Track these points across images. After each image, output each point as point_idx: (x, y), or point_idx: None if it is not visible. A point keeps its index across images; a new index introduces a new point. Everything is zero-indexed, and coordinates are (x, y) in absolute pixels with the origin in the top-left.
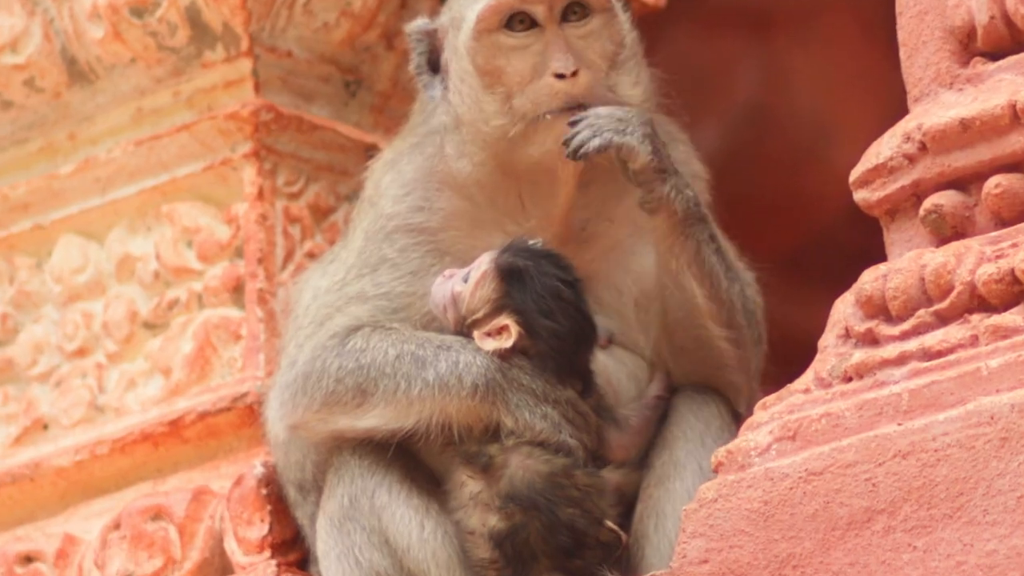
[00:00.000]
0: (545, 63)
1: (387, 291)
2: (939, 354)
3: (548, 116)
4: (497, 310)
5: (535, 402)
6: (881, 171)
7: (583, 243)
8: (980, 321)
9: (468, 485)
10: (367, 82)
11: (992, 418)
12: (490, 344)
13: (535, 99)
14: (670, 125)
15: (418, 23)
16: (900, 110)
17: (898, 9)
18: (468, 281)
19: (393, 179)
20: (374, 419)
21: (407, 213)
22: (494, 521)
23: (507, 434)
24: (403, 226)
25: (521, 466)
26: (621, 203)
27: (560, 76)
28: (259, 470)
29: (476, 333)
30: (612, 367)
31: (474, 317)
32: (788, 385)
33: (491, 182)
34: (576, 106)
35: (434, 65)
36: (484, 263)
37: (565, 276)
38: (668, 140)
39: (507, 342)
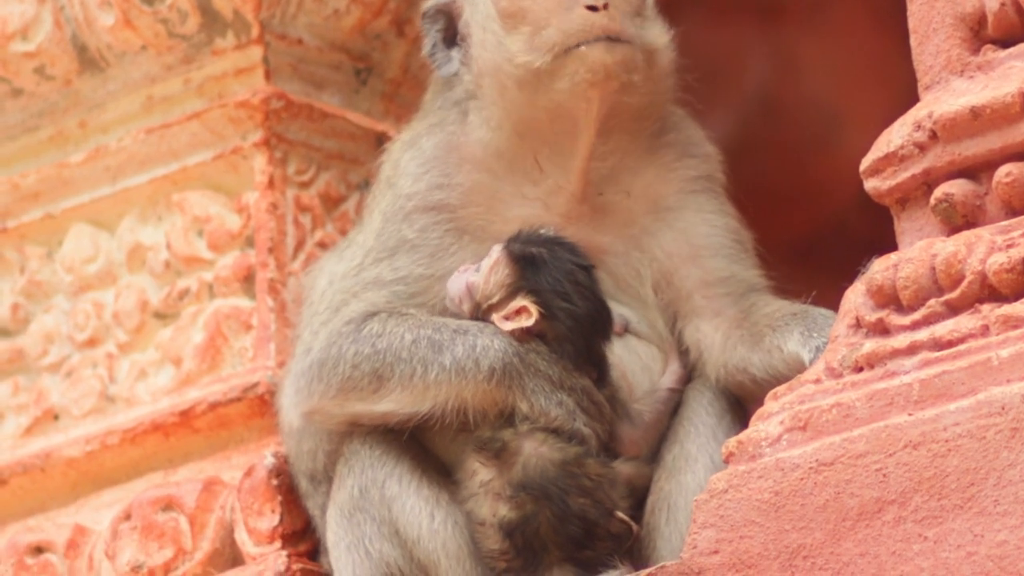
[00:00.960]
0: None
1: (405, 275)
2: (950, 344)
3: (583, 47)
4: (513, 293)
5: (551, 388)
6: (892, 160)
7: (598, 212)
8: (991, 311)
9: (480, 473)
10: (378, 69)
11: (1003, 408)
12: (510, 325)
13: (566, 29)
14: (683, 113)
15: (432, 1)
16: (911, 98)
17: None
18: (481, 270)
19: (412, 157)
20: (390, 404)
21: (426, 192)
22: (505, 511)
23: (522, 419)
24: (422, 205)
25: (535, 453)
26: (639, 177)
27: (592, 8)
28: (270, 460)
29: (495, 316)
30: (626, 358)
31: (490, 302)
32: (799, 375)
33: (508, 148)
34: (612, 37)
35: (451, 41)
36: (496, 251)
37: (579, 260)
38: (684, 126)
39: (528, 321)
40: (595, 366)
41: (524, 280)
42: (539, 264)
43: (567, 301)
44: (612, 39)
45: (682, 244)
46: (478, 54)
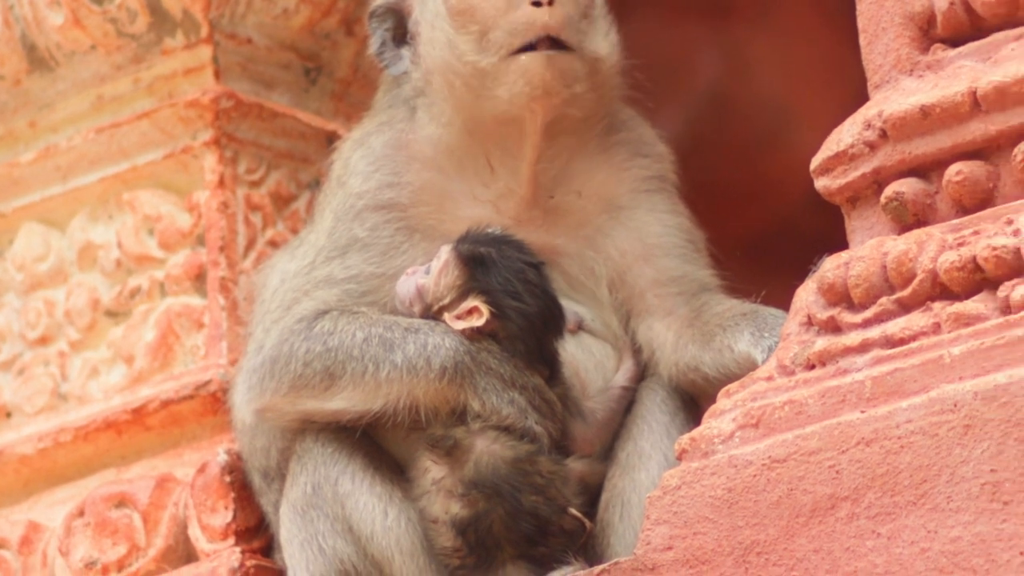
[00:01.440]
0: None
1: (356, 273)
2: (901, 342)
3: (524, 56)
4: (464, 294)
5: (503, 387)
6: (842, 158)
7: (550, 214)
8: (942, 309)
9: (432, 471)
10: (327, 69)
11: (955, 405)
12: (461, 324)
13: (511, 29)
14: (634, 113)
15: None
16: (860, 97)
17: None
18: (431, 272)
19: (362, 156)
20: (342, 402)
21: (376, 190)
22: (457, 508)
23: (473, 417)
24: (372, 204)
25: (486, 451)
26: (591, 179)
27: (537, 4)
28: (223, 457)
29: (446, 316)
30: (580, 356)
31: (441, 304)
32: (751, 373)
33: (459, 146)
34: (551, 39)
35: (400, 40)
36: (444, 253)
37: (528, 259)
38: (634, 125)
39: (479, 321)
40: (547, 364)
41: (474, 281)
42: (488, 264)
43: (518, 300)
44: (554, 43)
45: (635, 243)
46: (427, 52)
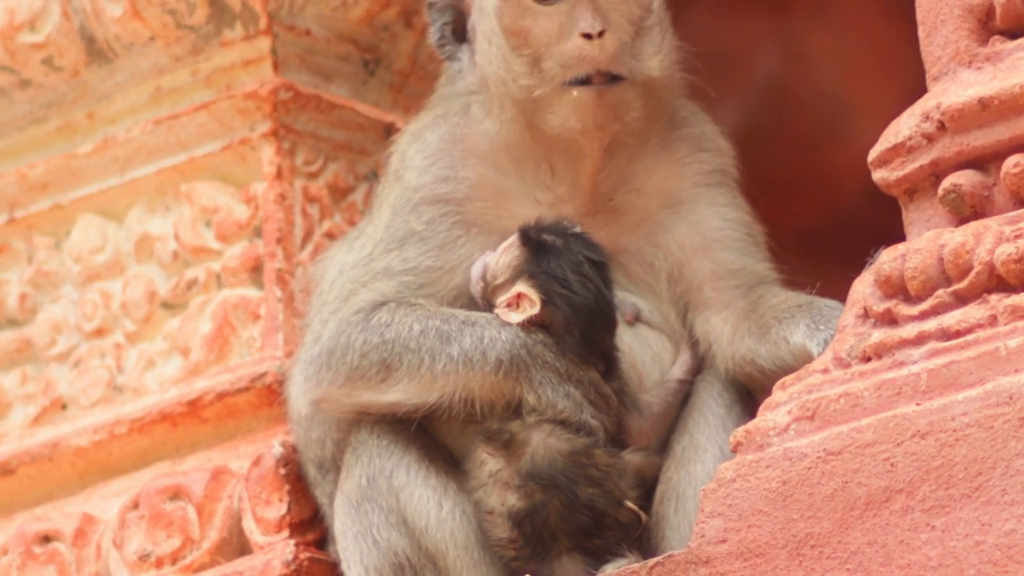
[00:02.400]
0: (573, 23)
1: (414, 266)
2: (958, 334)
3: (575, 91)
4: (516, 276)
5: (558, 380)
6: (900, 150)
7: (611, 214)
8: (999, 301)
9: (488, 463)
10: (386, 61)
11: (1011, 398)
12: (515, 316)
13: (562, 61)
14: (695, 106)
15: None
16: (919, 89)
17: None
18: (498, 251)
19: (418, 150)
20: (398, 394)
21: (432, 184)
22: (513, 500)
23: (529, 411)
24: (429, 197)
25: (542, 444)
26: (651, 176)
27: (587, 36)
28: (278, 450)
29: (498, 308)
30: (637, 348)
31: (495, 283)
32: (807, 365)
33: (519, 146)
34: (603, 73)
35: (459, 34)
36: (515, 233)
37: (591, 255)
38: (695, 120)
39: (532, 310)
40: (602, 358)
41: (530, 264)
42: (549, 251)
43: (567, 289)
44: (604, 76)
45: (694, 236)
46: (483, 62)
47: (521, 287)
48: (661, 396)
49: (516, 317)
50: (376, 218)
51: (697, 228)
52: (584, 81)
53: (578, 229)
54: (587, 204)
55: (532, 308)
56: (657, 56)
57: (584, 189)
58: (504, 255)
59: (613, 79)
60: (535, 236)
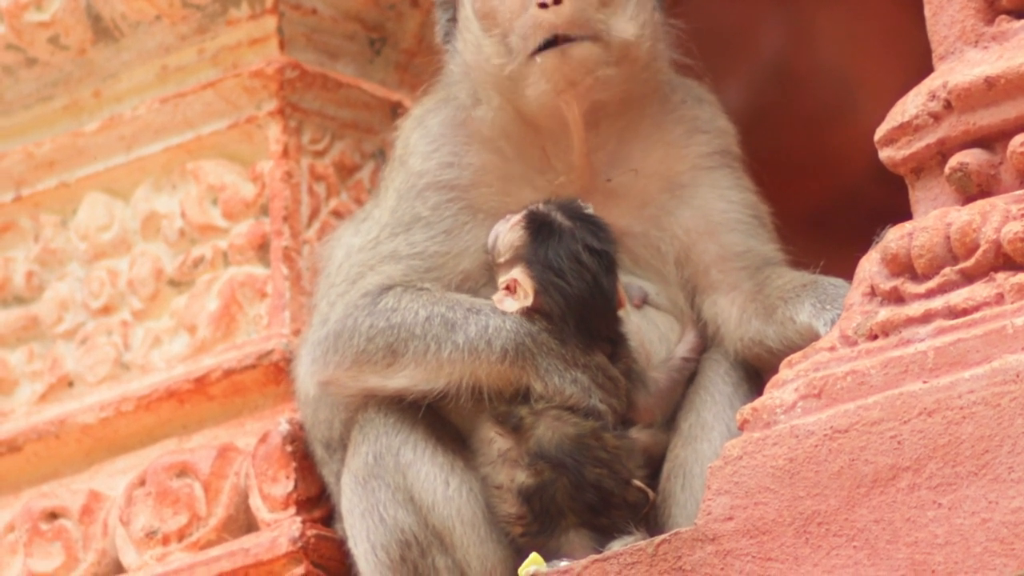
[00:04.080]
0: None
1: (421, 251)
2: (964, 312)
3: (538, 57)
4: (515, 259)
5: (565, 367)
6: (906, 129)
7: (611, 196)
8: (1005, 279)
9: (497, 442)
10: (392, 39)
11: (1017, 376)
12: (510, 304)
13: (523, 32)
14: (697, 87)
15: None
16: (925, 68)
17: None
18: (508, 223)
19: (421, 136)
20: (404, 379)
21: (436, 170)
22: (522, 477)
23: (537, 398)
24: (434, 183)
25: (550, 428)
26: (649, 157)
27: (543, 6)
28: (284, 427)
29: (495, 296)
30: (644, 328)
31: (499, 260)
32: (814, 343)
33: (515, 131)
34: (563, 36)
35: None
36: (524, 210)
37: (592, 242)
38: (693, 102)
39: (527, 300)
40: (606, 340)
41: (528, 250)
42: (551, 234)
43: (561, 279)
44: (564, 39)
45: (699, 220)
46: (463, 49)
47: (517, 274)
48: (666, 373)
49: (511, 305)
50: (382, 202)
51: (702, 212)
52: (547, 46)
53: (589, 210)
54: (586, 186)
55: (526, 298)
56: (632, 22)
57: (579, 169)
58: (510, 233)
59: (577, 40)
60: (541, 216)
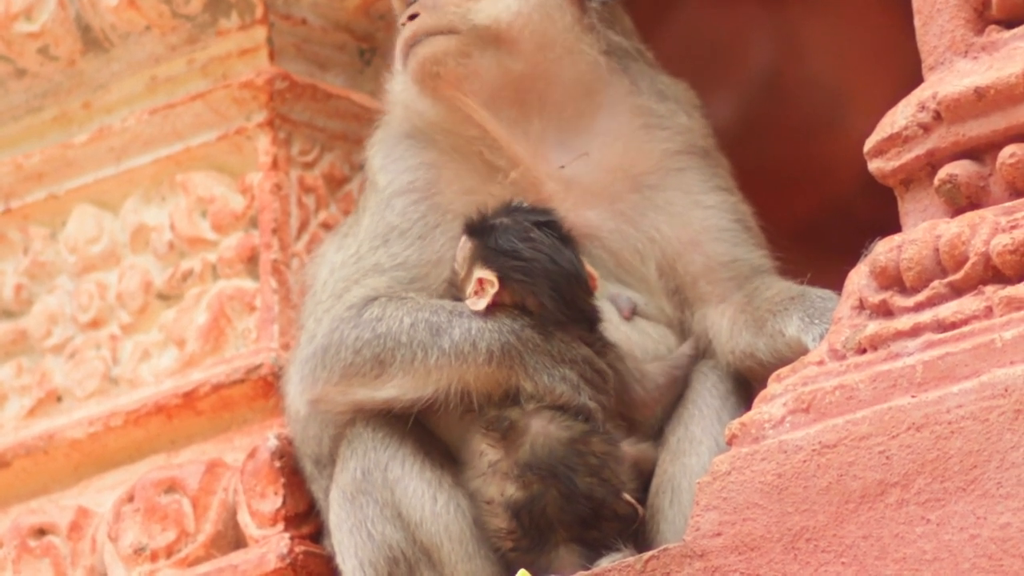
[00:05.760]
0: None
1: (402, 261)
2: (953, 326)
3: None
4: (471, 265)
5: (552, 363)
6: (896, 140)
7: (572, 187)
8: (994, 292)
9: (487, 454)
10: (382, 50)
11: (1006, 390)
12: (480, 303)
13: (400, 45)
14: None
15: None
16: (915, 79)
17: None
18: (456, 252)
19: (380, 153)
20: (393, 389)
21: (397, 178)
22: (512, 490)
23: (527, 398)
24: (397, 190)
25: (542, 432)
26: (609, 147)
27: (403, 24)
28: (273, 442)
29: (468, 301)
30: (636, 339)
31: (459, 279)
32: (802, 357)
33: (447, 138)
34: (413, 41)
35: None
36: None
37: (537, 218)
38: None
39: (492, 289)
40: (586, 322)
41: (478, 250)
42: (492, 231)
43: (517, 258)
44: (414, 42)
45: (679, 229)
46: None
47: (477, 272)
48: (668, 367)
49: (481, 303)
50: (361, 220)
51: (681, 221)
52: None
53: (521, 202)
54: (540, 176)
55: (492, 288)
56: (498, 5)
57: (527, 161)
58: (459, 249)
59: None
60: (478, 222)
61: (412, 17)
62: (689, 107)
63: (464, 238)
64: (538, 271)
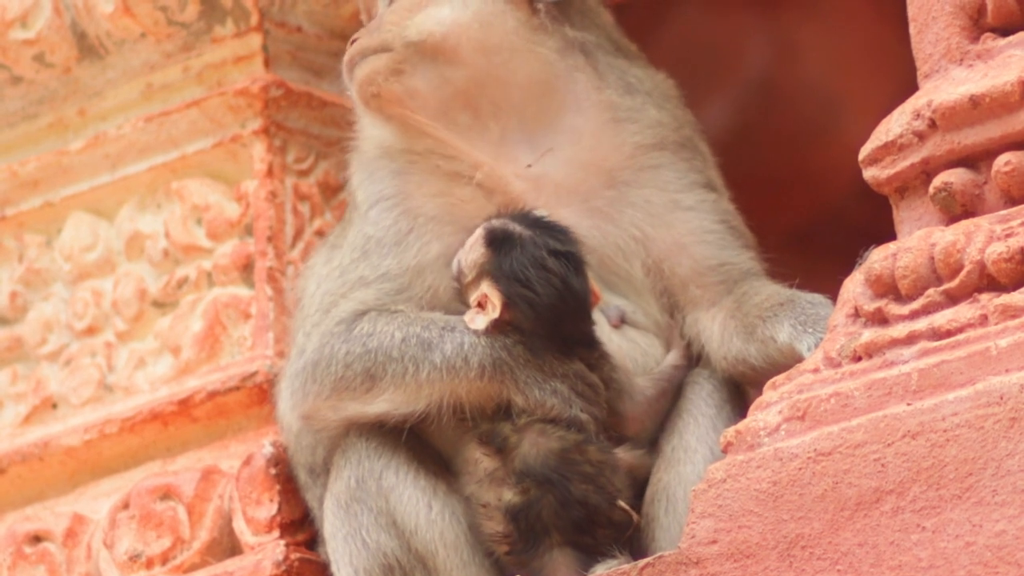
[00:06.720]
0: None
1: (384, 272)
2: (948, 334)
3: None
4: (480, 276)
5: (543, 378)
6: (891, 148)
7: (541, 186)
8: (989, 300)
9: (483, 462)
10: None
11: (1001, 398)
12: (480, 320)
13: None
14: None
15: None
16: (910, 86)
17: None
18: (466, 245)
19: (359, 174)
20: (384, 404)
21: (370, 187)
22: (509, 495)
23: (519, 412)
24: (371, 200)
25: (535, 444)
26: (577, 143)
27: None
28: (268, 450)
29: (466, 316)
30: (625, 348)
31: (465, 281)
32: (797, 364)
33: (405, 153)
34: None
35: None
36: (480, 227)
37: (556, 246)
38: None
39: (494, 313)
40: (583, 345)
41: (491, 264)
42: (512, 246)
43: (528, 289)
44: (359, 58)
45: (662, 231)
46: None
47: (485, 287)
48: (655, 381)
49: (481, 321)
50: (346, 232)
51: (662, 221)
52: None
53: (547, 218)
54: (506, 176)
55: (494, 312)
56: (433, 18)
57: (491, 162)
58: (471, 252)
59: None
60: (499, 230)
61: (355, 41)
62: (661, 99)
63: (480, 242)
64: (543, 306)
